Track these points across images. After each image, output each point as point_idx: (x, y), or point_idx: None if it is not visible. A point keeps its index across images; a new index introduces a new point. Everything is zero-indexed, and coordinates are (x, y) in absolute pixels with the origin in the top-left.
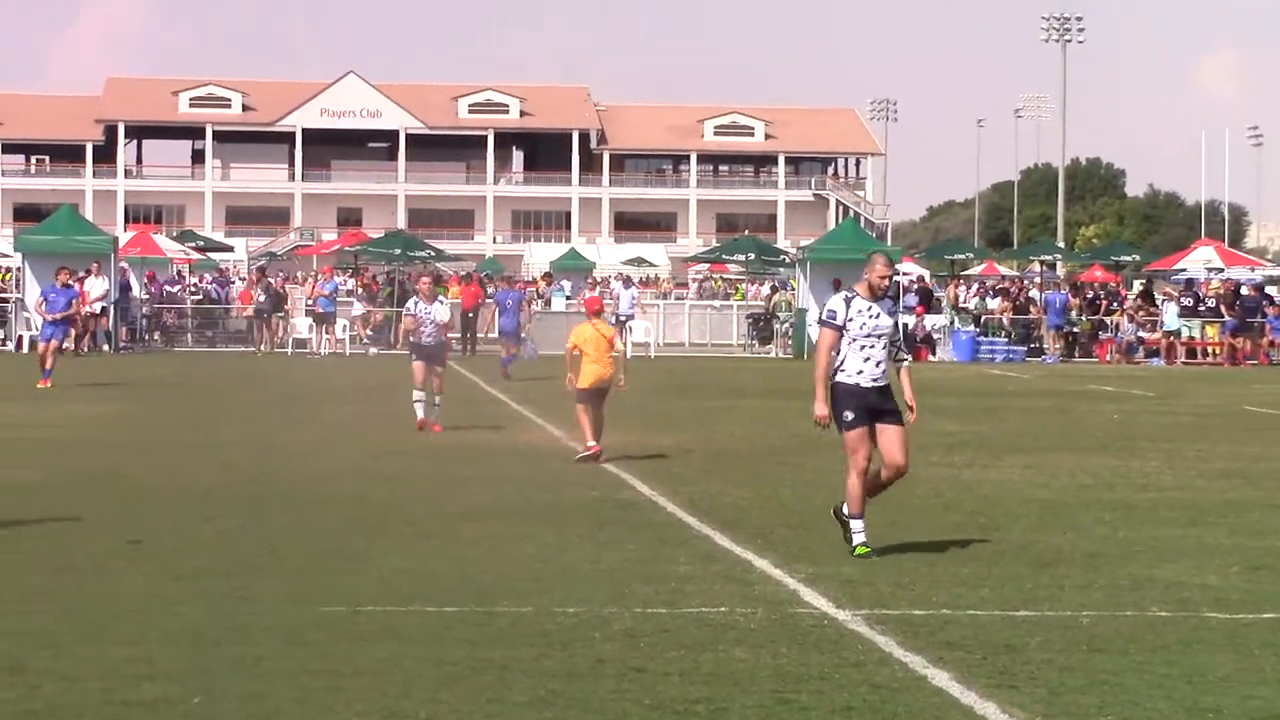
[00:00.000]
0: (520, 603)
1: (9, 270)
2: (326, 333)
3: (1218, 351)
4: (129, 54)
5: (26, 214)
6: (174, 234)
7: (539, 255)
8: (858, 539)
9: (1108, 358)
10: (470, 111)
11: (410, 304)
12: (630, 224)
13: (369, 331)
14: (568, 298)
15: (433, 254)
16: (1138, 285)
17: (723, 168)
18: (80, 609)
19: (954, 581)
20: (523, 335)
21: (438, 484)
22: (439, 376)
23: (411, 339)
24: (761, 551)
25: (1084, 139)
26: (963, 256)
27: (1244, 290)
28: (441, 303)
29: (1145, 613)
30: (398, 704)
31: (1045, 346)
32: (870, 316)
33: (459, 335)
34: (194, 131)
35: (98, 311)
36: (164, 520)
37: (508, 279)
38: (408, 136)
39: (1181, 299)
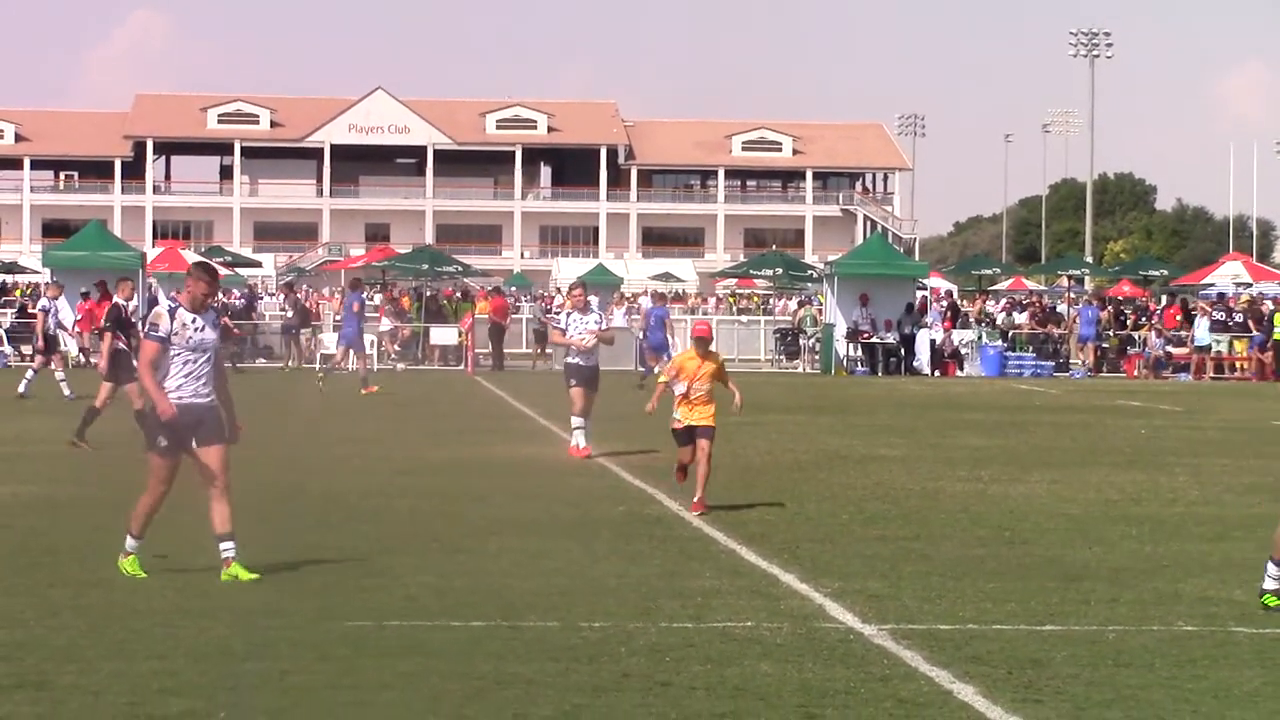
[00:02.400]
0: (546, 617)
1: (32, 285)
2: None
3: (1245, 367)
4: (158, 70)
5: (55, 230)
6: (202, 249)
7: (566, 270)
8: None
9: (1135, 373)
10: (498, 127)
11: (561, 316)
12: (658, 239)
13: (396, 347)
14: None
15: (460, 269)
16: (1164, 299)
17: (750, 183)
18: (107, 624)
19: (980, 596)
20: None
21: (463, 499)
22: (589, 398)
23: (567, 359)
24: (787, 566)
25: (1112, 154)
26: (990, 272)
27: (1269, 305)
28: (595, 313)
29: (1171, 627)
30: (424, 719)
31: (1073, 361)
32: None
33: (490, 349)
34: (222, 147)
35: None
36: (191, 535)
37: (659, 295)
38: (436, 152)
39: (1214, 313)
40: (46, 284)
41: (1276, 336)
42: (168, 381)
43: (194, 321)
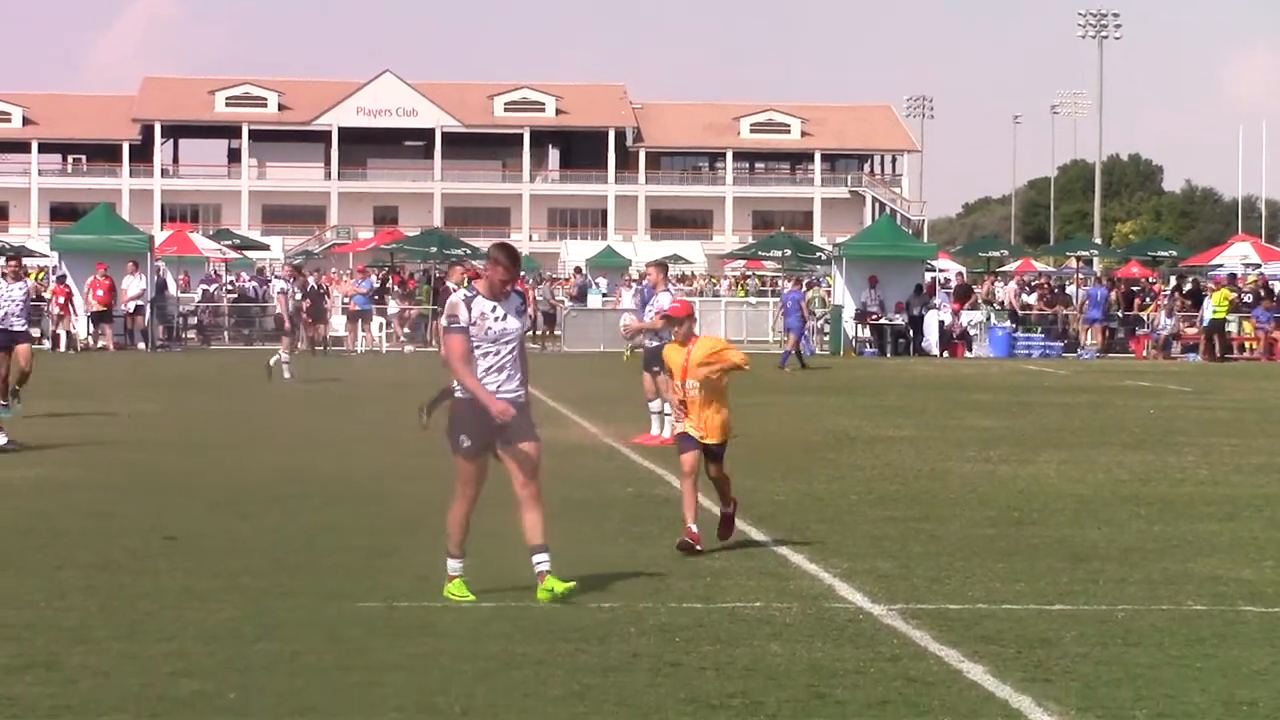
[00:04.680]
0: None
1: (43, 269)
2: (363, 330)
3: (1254, 346)
4: (165, 54)
5: (63, 213)
6: (210, 233)
7: (575, 253)
8: None
9: (1144, 353)
10: (506, 110)
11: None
12: (666, 221)
13: (405, 329)
14: (604, 295)
15: (468, 252)
16: (1173, 280)
17: (759, 165)
18: (117, 605)
19: (989, 576)
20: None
21: None
22: (658, 380)
23: (648, 343)
24: (797, 547)
25: (1121, 135)
26: (999, 253)
27: (1277, 286)
28: (669, 291)
29: (1181, 607)
30: (434, 699)
31: (1082, 341)
32: None
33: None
34: (230, 130)
35: (132, 310)
36: (202, 517)
37: (796, 280)
38: (444, 135)
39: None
40: (284, 264)
41: (1215, 316)
42: None
43: (494, 310)
